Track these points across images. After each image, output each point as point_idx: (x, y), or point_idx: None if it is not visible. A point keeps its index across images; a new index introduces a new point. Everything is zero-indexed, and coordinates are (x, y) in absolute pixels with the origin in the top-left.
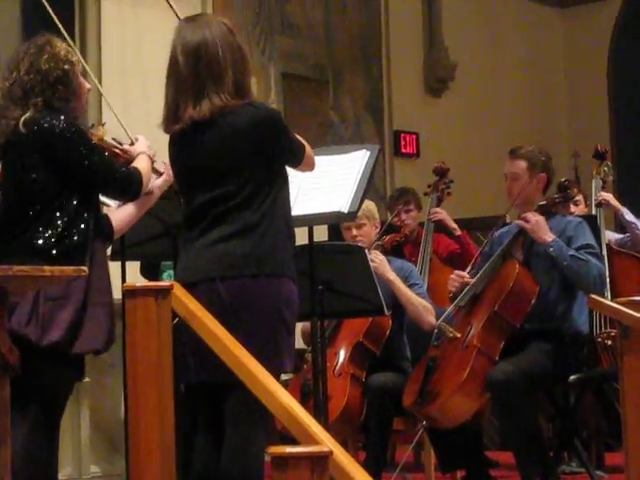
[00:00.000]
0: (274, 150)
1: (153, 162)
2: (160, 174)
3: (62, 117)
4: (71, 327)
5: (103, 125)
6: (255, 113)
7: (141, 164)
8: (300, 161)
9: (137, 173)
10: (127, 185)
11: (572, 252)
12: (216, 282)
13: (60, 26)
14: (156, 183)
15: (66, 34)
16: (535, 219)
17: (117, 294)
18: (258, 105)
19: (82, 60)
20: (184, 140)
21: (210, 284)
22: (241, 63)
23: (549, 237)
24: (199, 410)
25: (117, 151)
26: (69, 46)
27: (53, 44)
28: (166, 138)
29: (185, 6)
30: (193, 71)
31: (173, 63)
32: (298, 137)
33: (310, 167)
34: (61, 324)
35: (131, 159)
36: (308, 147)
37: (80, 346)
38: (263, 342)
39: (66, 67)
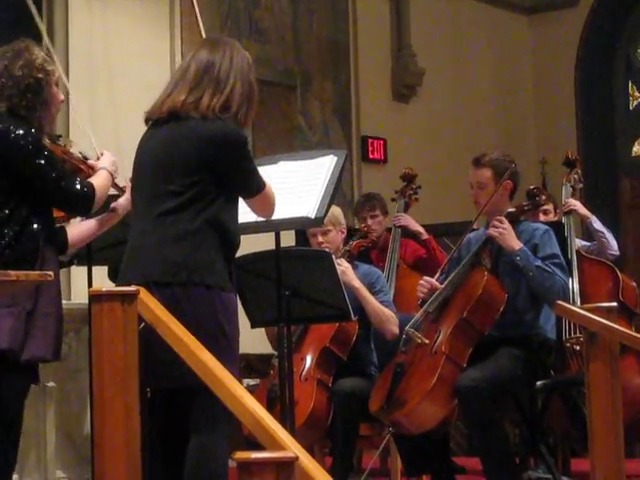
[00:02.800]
0: (226, 168)
1: (114, 178)
2: (122, 190)
3: (22, 126)
4: (17, 334)
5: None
6: (221, 127)
7: (98, 180)
8: (252, 194)
9: (90, 189)
10: (78, 201)
11: (538, 263)
12: (151, 287)
13: None
14: (119, 202)
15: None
16: (503, 226)
17: (83, 299)
18: (228, 122)
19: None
20: (154, 130)
21: (146, 289)
22: (248, 96)
23: (516, 245)
24: (161, 416)
25: (81, 166)
26: (47, 55)
27: (31, 50)
28: (133, 144)
29: (154, 10)
30: (199, 77)
31: (185, 67)
32: (262, 177)
33: (266, 212)
34: (5, 331)
35: (94, 174)
36: (270, 191)
37: (28, 353)
38: None
39: (39, 75)
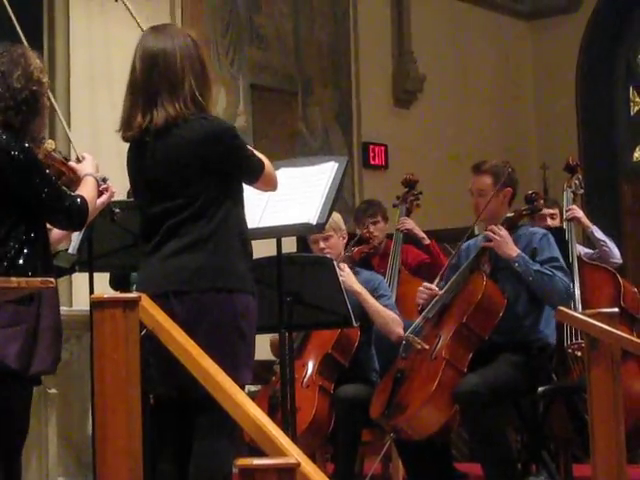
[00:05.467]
0: (226, 165)
1: (99, 185)
2: (101, 193)
3: (18, 142)
4: (25, 354)
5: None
6: (207, 126)
7: (87, 190)
8: (257, 178)
9: (84, 204)
10: (73, 217)
11: (537, 267)
12: (170, 297)
13: None
14: (98, 200)
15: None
16: (499, 235)
17: (85, 305)
18: (211, 119)
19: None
20: (138, 149)
21: (164, 299)
22: (201, 76)
23: (514, 252)
24: (166, 423)
25: (63, 168)
26: (41, 62)
27: (27, 59)
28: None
29: (153, 16)
30: (148, 78)
31: (132, 69)
32: (258, 154)
33: (270, 186)
34: (15, 352)
35: (77, 178)
36: (269, 165)
37: (34, 369)
38: (220, 356)
39: (34, 88)
